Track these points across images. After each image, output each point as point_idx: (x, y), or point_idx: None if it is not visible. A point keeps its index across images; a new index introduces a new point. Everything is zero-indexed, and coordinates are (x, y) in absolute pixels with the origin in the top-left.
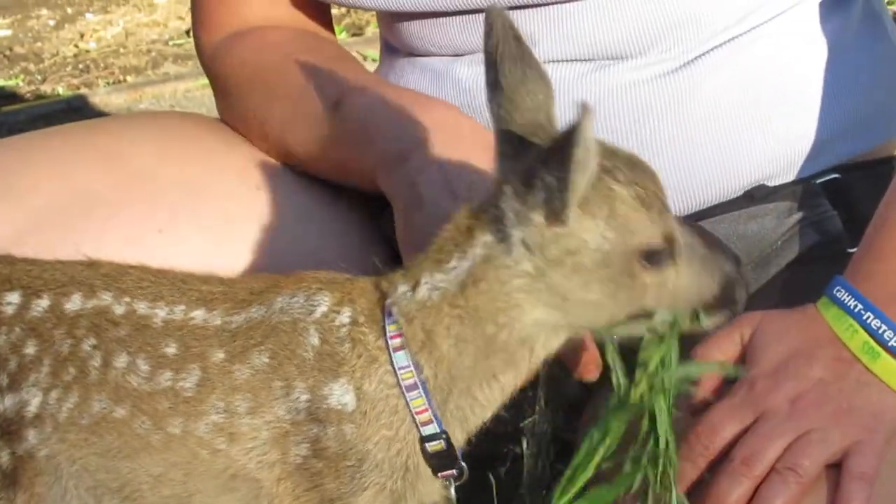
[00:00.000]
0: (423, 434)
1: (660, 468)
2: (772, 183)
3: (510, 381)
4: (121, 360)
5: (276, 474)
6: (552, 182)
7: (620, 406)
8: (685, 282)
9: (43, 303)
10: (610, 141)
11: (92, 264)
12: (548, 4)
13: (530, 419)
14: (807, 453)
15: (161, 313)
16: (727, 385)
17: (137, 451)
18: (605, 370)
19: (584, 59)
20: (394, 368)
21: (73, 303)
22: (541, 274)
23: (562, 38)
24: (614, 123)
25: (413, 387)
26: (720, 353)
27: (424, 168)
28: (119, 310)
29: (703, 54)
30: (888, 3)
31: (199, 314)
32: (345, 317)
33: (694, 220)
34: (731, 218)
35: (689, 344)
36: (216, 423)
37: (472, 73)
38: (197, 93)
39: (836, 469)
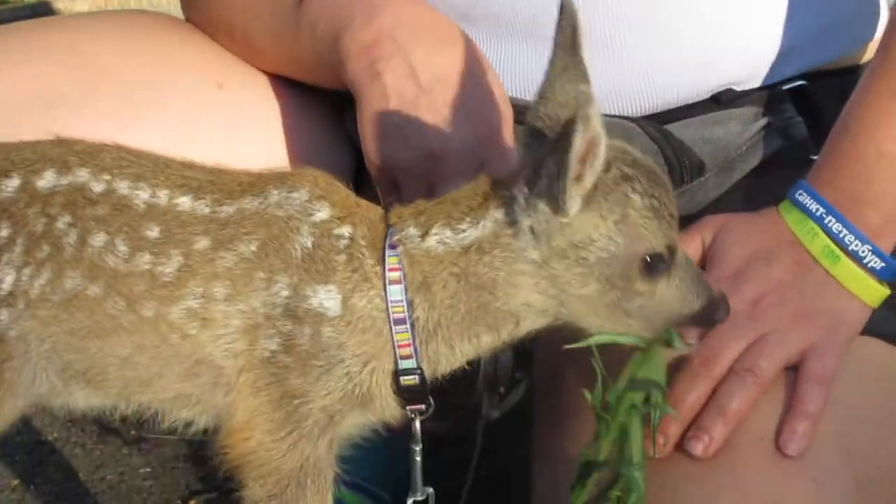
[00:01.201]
0: (401, 367)
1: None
2: (739, 88)
3: (488, 342)
4: (98, 239)
5: (239, 364)
6: (553, 168)
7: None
8: (672, 294)
9: (12, 182)
10: (633, 148)
11: (63, 142)
12: None
13: (493, 381)
14: (765, 354)
15: (143, 195)
16: None
17: (108, 332)
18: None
19: None
20: (385, 295)
21: (46, 180)
22: (545, 262)
23: None
24: (592, 23)
25: (401, 321)
26: None
27: (389, 58)
28: (98, 187)
29: None
30: None
31: (184, 200)
32: (345, 231)
33: (661, 123)
34: (697, 122)
35: None
36: (191, 308)
37: None
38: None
39: (794, 371)
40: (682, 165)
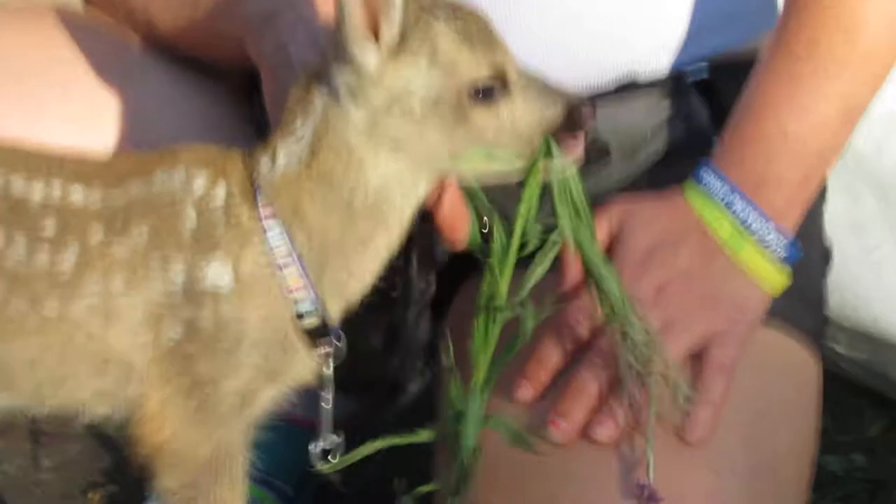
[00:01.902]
0: (298, 311)
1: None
2: (643, 75)
3: (383, 244)
4: None
5: (148, 356)
6: (342, 13)
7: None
8: (523, 112)
9: None
10: None
11: None
12: None
13: (402, 283)
14: (669, 342)
15: (38, 188)
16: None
17: (11, 335)
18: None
19: None
20: (268, 245)
21: None
22: (373, 122)
23: None
24: (494, 5)
25: (288, 263)
26: None
27: (292, 28)
28: None
29: None
30: None
31: (77, 192)
32: (220, 192)
33: None
34: (601, 106)
35: None
36: (93, 304)
37: None
38: None
39: (696, 358)
40: (587, 150)
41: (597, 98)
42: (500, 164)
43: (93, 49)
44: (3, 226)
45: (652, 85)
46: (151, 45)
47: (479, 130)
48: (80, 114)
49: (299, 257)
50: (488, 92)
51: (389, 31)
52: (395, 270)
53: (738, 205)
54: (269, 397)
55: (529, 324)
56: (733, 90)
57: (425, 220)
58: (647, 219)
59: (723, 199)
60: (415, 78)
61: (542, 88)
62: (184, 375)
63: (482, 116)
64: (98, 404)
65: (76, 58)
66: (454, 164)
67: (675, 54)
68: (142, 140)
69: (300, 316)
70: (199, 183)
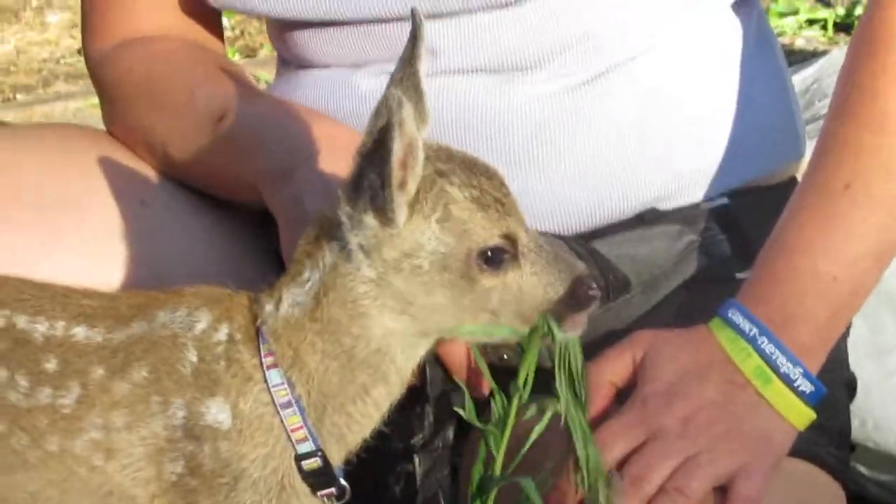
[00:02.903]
0: (299, 452)
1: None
2: (663, 207)
3: (382, 395)
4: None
5: (150, 491)
6: (375, 180)
7: (498, 422)
8: (530, 282)
9: None
10: (448, 143)
11: None
12: (455, 14)
13: (420, 436)
14: (695, 475)
15: (41, 328)
16: (618, 403)
17: (14, 468)
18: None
19: (490, 71)
20: (268, 386)
21: None
22: (382, 279)
23: (468, 48)
24: (513, 141)
25: (287, 404)
26: (612, 373)
27: (309, 184)
28: None
29: (604, 73)
30: (778, 35)
31: (80, 330)
32: (222, 334)
33: (585, 241)
34: (622, 240)
35: None
36: (94, 439)
37: (374, 84)
38: (88, 112)
39: (723, 491)
40: (608, 283)
41: (617, 231)
42: (500, 335)
43: (112, 174)
44: (7, 361)
45: (671, 215)
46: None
47: (484, 295)
48: (96, 245)
49: (297, 400)
50: (497, 258)
51: (415, 185)
52: (413, 416)
53: (765, 342)
54: None
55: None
56: (754, 217)
57: (439, 368)
58: (673, 351)
59: (749, 336)
60: (426, 238)
61: (552, 260)
62: None
63: (489, 282)
64: None
65: (95, 183)
66: (457, 328)
67: (693, 189)
68: (158, 268)
69: (301, 457)
70: (202, 324)
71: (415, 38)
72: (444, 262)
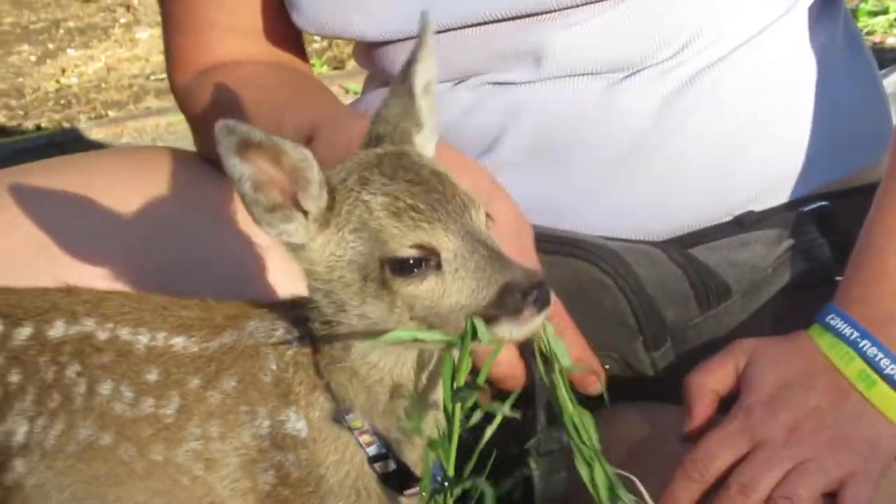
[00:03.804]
0: (369, 455)
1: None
2: (759, 207)
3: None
4: (105, 387)
5: (249, 502)
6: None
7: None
8: (452, 289)
9: (25, 331)
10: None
11: (70, 290)
12: (558, 11)
13: (535, 439)
14: (803, 483)
15: (143, 339)
16: (722, 412)
17: (123, 479)
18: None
19: (593, 74)
20: (332, 392)
21: (56, 329)
22: (322, 284)
23: (571, 52)
24: (613, 145)
25: (349, 409)
26: (715, 381)
27: None
28: (102, 336)
29: (701, 71)
30: (866, 35)
31: (179, 340)
32: (291, 339)
33: (684, 247)
34: (722, 246)
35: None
36: (194, 449)
37: (470, 97)
38: (179, 126)
39: (830, 498)
40: (708, 290)
41: (715, 237)
42: (431, 339)
43: (205, 195)
44: (111, 373)
45: (769, 220)
46: None
47: (406, 303)
48: (189, 260)
49: (350, 404)
50: (409, 266)
51: (315, 204)
52: (527, 420)
53: (867, 345)
54: None
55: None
56: (852, 218)
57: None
58: (775, 359)
59: (850, 340)
60: (343, 246)
61: (482, 266)
62: None
63: (404, 289)
64: None
65: (187, 203)
66: (391, 334)
67: (789, 187)
68: (252, 285)
69: (373, 460)
70: (280, 331)
71: (419, 42)
72: (364, 271)
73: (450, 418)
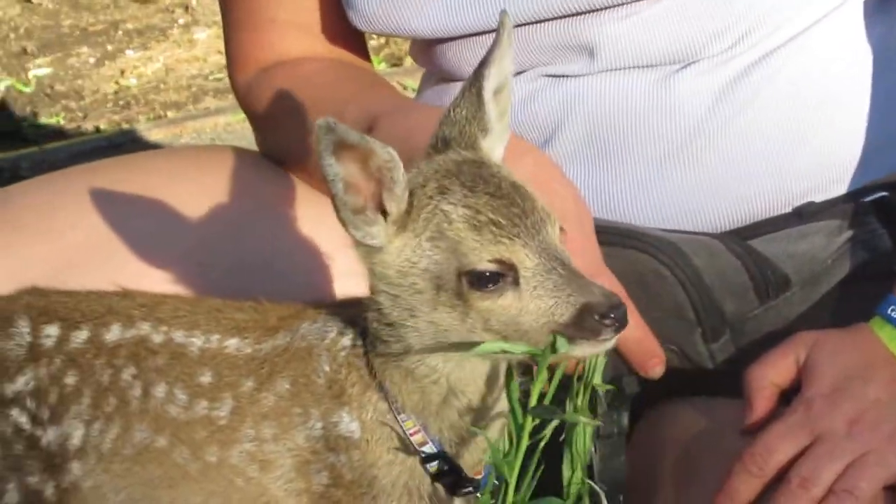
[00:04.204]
0: (423, 455)
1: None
2: (819, 198)
3: (461, 407)
4: (160, 390)
5: (304, 503)
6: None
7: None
8: (531, 307)
9: (82, 334)
10: (464, 157)
11: (127, 294)
12: (611, 7)
13: (595, 422)
14: (864, 476)
15: (197, 342)
16: (782, 405)
17: (178, 481)
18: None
19: (648, 66)
20: (385, 393)
21: (113, 333)
22: (389, 290)
23: (626, 44)
24: (671, 136)
25: (401, 410)
26: (776, 374)
27: None
28: (157, 339)
29: (759, 60)
30: None
31: (232, 342)
32: (346, 341)
33: (743, 239)
34: (781, 237)
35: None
36: (248, 450)
37: (528, 88)
38: (237, 126)
39: (891, 491)
40: (768, 281)
41: (774, 228)
42: (516, 352)
43: (268, 193)
44: (165, 376)
45: (829, 211)
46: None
47: (481, 316)
48: (255, 260)
49: (402, 404)
50: (487, 281)
51: (397, 206)
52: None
53: None
54: None
55: None
56: None
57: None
58: (835, 351)
59: None
60: (418, 254)
61: (561, 285)
62: None
63: (481, 303)
64: None
65: (250, 202)
66: (474, 347)
67: (851, 178)
68: (315, 287)
69: (427, 460)
70: (332, 332)
71: (495, 42)
72: (438, 281)
73: (518, 433)
